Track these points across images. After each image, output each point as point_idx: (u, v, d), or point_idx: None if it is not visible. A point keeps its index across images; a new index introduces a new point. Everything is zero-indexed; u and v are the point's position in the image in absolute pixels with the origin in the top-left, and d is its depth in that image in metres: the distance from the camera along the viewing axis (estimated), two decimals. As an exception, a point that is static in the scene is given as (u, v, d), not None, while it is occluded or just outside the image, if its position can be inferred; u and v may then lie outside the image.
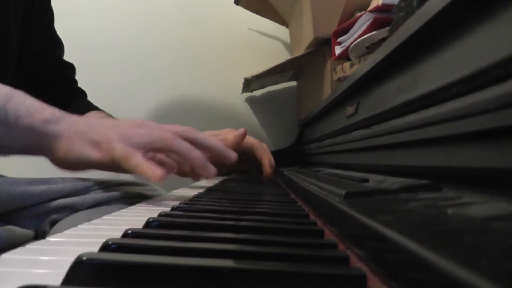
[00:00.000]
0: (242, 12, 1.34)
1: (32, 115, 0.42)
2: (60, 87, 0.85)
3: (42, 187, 0.54)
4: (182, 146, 0.45)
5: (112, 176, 0.66)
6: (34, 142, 0.43)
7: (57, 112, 0.45)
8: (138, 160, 0.42)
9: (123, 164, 0.42)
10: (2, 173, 0.66)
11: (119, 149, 0.42)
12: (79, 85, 0.93)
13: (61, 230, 0.28)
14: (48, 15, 0.86)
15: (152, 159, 0.46)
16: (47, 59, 0.83)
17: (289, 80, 1.40)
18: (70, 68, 0.91)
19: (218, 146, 0.49)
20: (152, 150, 0.45)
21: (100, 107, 0.87)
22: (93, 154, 0.43)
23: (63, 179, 0.58)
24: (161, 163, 0.45)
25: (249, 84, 1.28)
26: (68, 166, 0.45)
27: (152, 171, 0.41)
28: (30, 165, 0.89)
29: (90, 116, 0.77)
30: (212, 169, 0.46)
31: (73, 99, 0.85)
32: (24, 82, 0.74)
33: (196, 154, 0.45)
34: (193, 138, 0.47)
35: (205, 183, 0.82)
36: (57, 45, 0.89)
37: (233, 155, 0.50)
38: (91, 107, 0.83)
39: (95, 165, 0.44)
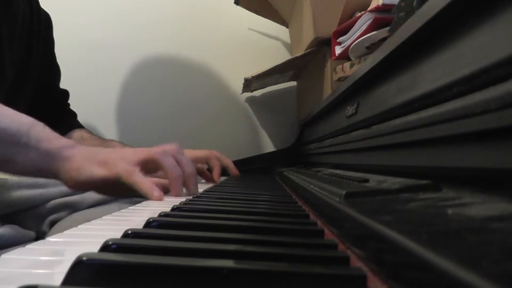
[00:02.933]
0: (242, 12, 1.34)
1: (50, 141, 0.49)
2: (56, 112, 0.89)
3: (42, 190, 0.54)
4: (168, 163, 0.51)
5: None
6: (48, 165, 0.49)
7: (71, 141, 0.52)
8: (140, 177, 0.48)
9: (125, 179, 0.48)
10: (2, 176, 0.66)
11: (122, 166, 0.49)
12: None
13: (61, 230, 0.28)
14: (51, 45, 0.88)
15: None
16: (45, 90, 0.86)
17: (289, 80, 1.40)
18: (65, 94, 0.95)
19: (191, 175, 0.54)
20: (145, 164, 0.51)
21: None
22: (101, 171, 0.49)
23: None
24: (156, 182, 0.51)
25: (249, 84, 1.28)
26: (78, 186, 0.50)
27: (151, 191, 0.47)
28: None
29: (73, 133, 0.88)
30: (181, 192, 0.52)
31: (64, 121, 0.90)
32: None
33: (176, 174, 0.51)
34: (178, 159, 0.52)
35: (205, 183, 0.82)
36: (56, 74, 0.92)
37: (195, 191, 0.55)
38: (77, 127, 0.92)
39: (102, 182, 0.49)
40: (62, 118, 0.90)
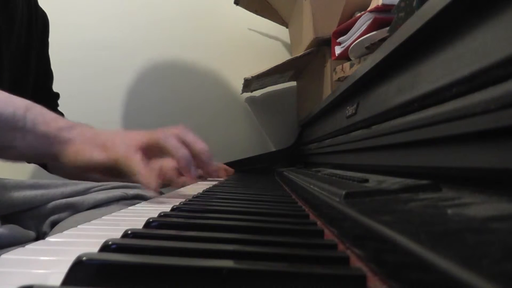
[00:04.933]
0: (242, 12, 1.34)
1: (48, 123, 0.47)
2: None
3: (43, 191, 0.54)
4: (172, 144, 0.49)
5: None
6: (48, 148, 0.47)
7: (69, 122, 0.50)
8: (138, 164, 0.46)
9: (124, 165, 0.46)
10: (3, 176, 0.66)
11: (123, 150, 0.47)
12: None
13: (61, 231, 0.28)
14: (47, 46, 0.87)
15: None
16: (39, 92, 0.84)
17: (289, 80, 1.40)
18: (56, 97, 0.93)
19: (203, 151, 0.52)
20: (148, 148, 0.49)
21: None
22: (100, 155, 0.47)
23: (64, 183, 0.58)
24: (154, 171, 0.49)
25: (249, 84, 1.28)
26: (78, 168, 0.49)
27: (147, 180, 0.45)
28: (30, 168, 0.89)
29: None
30: (194, 172, 0.50)
31: None
32: None
33: (183, 153, 0.49)
34: (183, 139, 0.51)
35: (205, 184, 0.82)
36: (50, 76, 0.90)
37: (212, 170, 0.54)
38: None
39: (101, 166, 0.48)
40: None
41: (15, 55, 0.73)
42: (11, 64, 0.71)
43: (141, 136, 0.49)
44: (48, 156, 0.48)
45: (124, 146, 0.47)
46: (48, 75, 0.89)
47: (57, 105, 0.94)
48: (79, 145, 0.47)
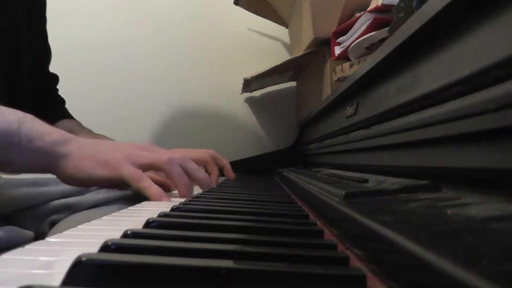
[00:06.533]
0: (242, 13, 1.34)
1: (42, 138, 0.46)
2: (45, 99, 0.85)
3: (42, 189, 0.54)
4: (175, 172, 0.51)
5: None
6: (44, 162, 0.47)
7: (64, 133, 0.49)
8: (148, 183, 0.48)
9: (131, 184, 0.48)
10: (2, 175, 0.66)
11: (127, 169, 0.48)
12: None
13: (61, 231, 0.28)
14: (45, 27, 0.84)
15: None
16: (38, 73, 0.82)
17: (289, 80, 1.40)
18: (55, 79, 0.90)
19: (203, 180, 0.56)
20: (150, 169, 0.51)
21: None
22: (103, 172, 0.48)
23: None
24: (160, 184, 0.51)
25: (248, 84, 1.28)
26: (76, 183, 0.50)
27: (159, 197, 0.47)
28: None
29: (61, 124, 0.82)
30: (190, 196, 0.51)
31: (53, 109, 0.86)
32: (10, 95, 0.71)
33: (184, 181, 0.51)
34: (184, 166, 0.53)
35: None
36: (48, 56, 0.87)
37: (213, 185, 0.57)
38: (66, 116, 0.87)
39: (103, 182, 0.49)
40: (51, 105, 0.86)
41: (5, 25, 0.69)
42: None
43: (144, 158, 0.50)
44: (46, 170, 0.48)
45: (127, 166, 0.48)
46: (43, 54, 0.85)
47: (56, 89, 0.90)
48: (78, 161, 0.47)
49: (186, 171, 0.52)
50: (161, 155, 0.51)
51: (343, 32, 0.85)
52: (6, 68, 0.69)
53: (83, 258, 0.17)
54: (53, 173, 0.48)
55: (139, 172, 0.48)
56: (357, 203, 0.27)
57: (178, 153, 0.54)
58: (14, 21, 0.71)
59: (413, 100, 0.32)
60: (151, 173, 0.56)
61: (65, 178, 0.49)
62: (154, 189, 0.48)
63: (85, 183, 0.50)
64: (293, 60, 1.14)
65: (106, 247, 0.21)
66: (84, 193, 0.58)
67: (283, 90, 1.46)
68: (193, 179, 0.53)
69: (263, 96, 1.46)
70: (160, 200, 0.47)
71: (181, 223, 0.29)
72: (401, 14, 0.55)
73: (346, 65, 0.82)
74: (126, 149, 0.51)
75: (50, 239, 0.26)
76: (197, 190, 0.59)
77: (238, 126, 1.43)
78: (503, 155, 0.20)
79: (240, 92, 1.37)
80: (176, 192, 0.64)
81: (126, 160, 0.48)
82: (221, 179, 0.92)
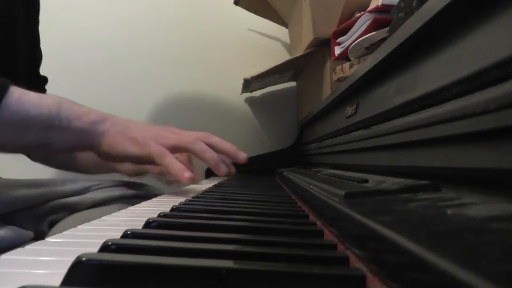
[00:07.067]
0: (242, 13, 1.34)
1: (81, 118, 0.51)
2: None
3: (42, 190, 0.54)
4: (200, 148, 0.54)
5: (111, 177, 0.66)
6: (83, 141, 0.51)
7: (100, 113, 0.53)
8: (171, 159, 0.51)
9: (157, 160, 0.51)
10: (2, 176, 0.66)
11: (154, 147, 0.51)
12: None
13: (61, 231, 0.28)
14: (37, 29, 0.83)
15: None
16: (30, 74, 0.81)
17: (289, 80, 1.40)
18: (44, 81, 0.89)
19: (231, 149, 0.58)
20: (175, 151, 0.54)
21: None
22: (133, 148, 0.52)
23: (63, 181, 0.58)
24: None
25: (248, 84, 1.28)
26: (109, 158, 0.54)
27: (182, 173, 0.50)
28: (29, 167, 0.89)
29: None
30: (224, 168, 0.56)
31: None
32: None
33: (211, 155, 0.54)
34: (209, 142, 0.56)
35: (204, 184, 0.82)
36: (39, 58, 0.86)
37: (243, 156, 0.59)
38: None
39: (132, 158, 0.53)
40: None
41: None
42: None
43: (170, 140, 0.53)
44: (84, 148, 0.52)
45: (155, 144, 0.52)
46: (36, 55, 0.84)
47: (45, 90, 0.89)
48: (113, 138, 0.52)
49: (211, 146, 0.55)
50: (185, 136, 0.55)
51: (343, 32, 0.85)
52: (3, 64, 0.69)
53: (83, 258, 0.17)
54: (90, 150, 0.53)
55: (165, 150, 0.52)
56: (357, 203, 0.27)
57: (171, 133, 0.57)
58: (11, 18, 0.71)
59: (413, 100, 0.32)
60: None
61: (101, 153, 0.53)
62: (177, 165, 0.51)
63: (118, 159, 0.54)
64: (293, 60, 1.14)
65: (106, 247, 0.21)
66: (84, 193, 0.58)
67: (283, 90, 1.46)
68: (219, 152, 0.56)
69: (263, 96, 1.46)
70: (182, 175, 0.50)
71: (181, 223, 0.29)
72: (401, 14, 0.55)
73: (346, 65, 0.82)
74: (154, 130, 0.54)
75: (49, 239, 0.26)
76: (197, 190, 0.59)
77: (238, 126, 1.43)
78: (503, 155, 0.20)
79: (240, 92, 1.37)
80: (181, 190, 0.64)
81: (153, 139, 0.52)
82: (221, 179, 0.92)
